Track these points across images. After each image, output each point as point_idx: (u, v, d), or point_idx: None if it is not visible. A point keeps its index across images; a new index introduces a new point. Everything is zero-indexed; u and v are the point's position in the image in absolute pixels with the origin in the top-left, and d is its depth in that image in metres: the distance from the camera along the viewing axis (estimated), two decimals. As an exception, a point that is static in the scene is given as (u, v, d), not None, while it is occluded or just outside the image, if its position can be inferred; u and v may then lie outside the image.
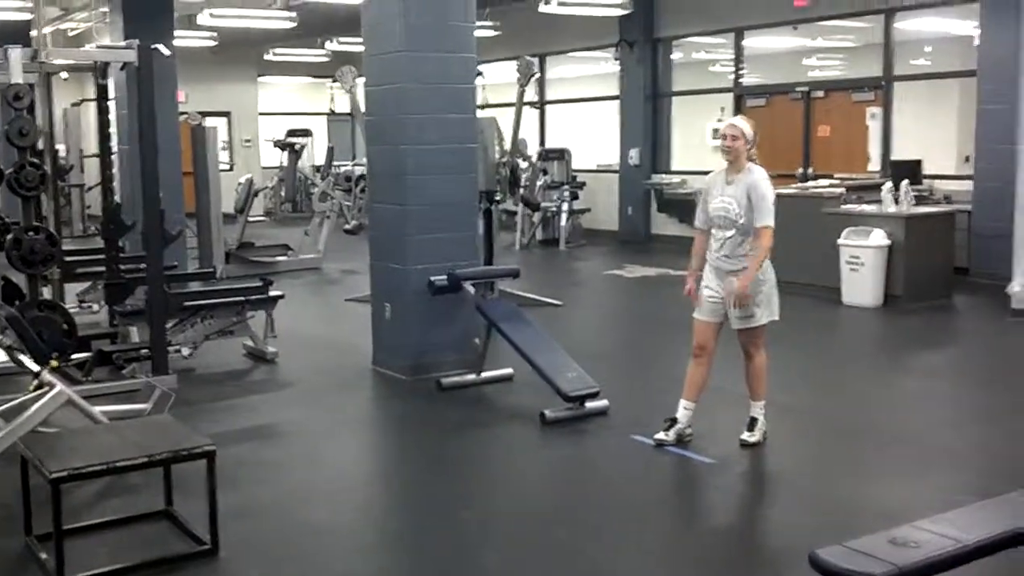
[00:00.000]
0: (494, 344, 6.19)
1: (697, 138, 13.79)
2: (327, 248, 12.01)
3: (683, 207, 13.25)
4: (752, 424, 5.04)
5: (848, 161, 11.60)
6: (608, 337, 8.49)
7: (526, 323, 6.11)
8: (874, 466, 4.90)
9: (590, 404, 5.55)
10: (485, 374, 6.27)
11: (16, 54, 5.92)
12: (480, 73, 7.78)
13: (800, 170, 12.02)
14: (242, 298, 7.20)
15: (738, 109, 13.00)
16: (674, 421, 5.04)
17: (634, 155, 13.89)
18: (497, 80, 13.50)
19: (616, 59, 14.15)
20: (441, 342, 6.45)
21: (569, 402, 5.48)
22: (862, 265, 8.68)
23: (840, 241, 8.83)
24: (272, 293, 7.25)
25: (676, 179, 13.59)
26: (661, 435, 5.02)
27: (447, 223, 6.51)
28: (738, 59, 13.12)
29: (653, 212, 13.87)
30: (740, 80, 13.15)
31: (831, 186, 10.02)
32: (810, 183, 10.76)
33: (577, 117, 15.58)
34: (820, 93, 12.21)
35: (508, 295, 7.98)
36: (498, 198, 9.32)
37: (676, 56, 14.13)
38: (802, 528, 4.07)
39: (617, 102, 14.24)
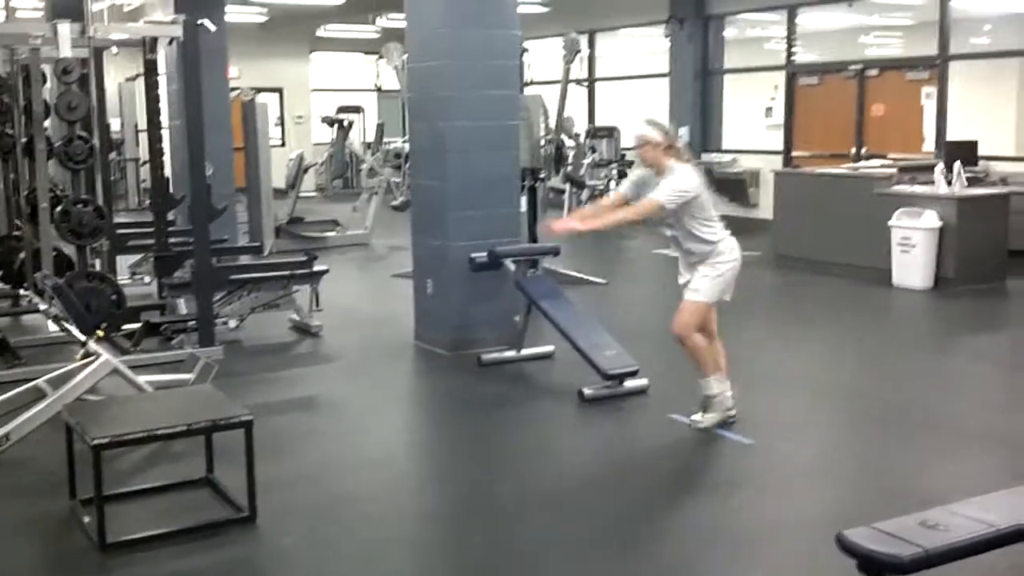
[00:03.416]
0: (534, 321, 6.20)
1: (749, 117, 13.63)
2: (375, 224, 12.08)
3: (734, 186, 13.13)
4: (704, 403, 4.99)
5: (902, 141, 11.39)
6: (651, 316, 8.41)
7: (566, 301, 6.11)
8: (915, 449, 4.83)
9: (629, 383, 5.54)
10: (525, 351, 6.28)
11: (64, 29, 6.02)
12: (525, 50, 7.75)
13: (853, 150, 11.83)
14: (287, 272, 7.28)
15: (791, 87, 12.81)
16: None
17: (684, 133, 13.75)
18: (546, 57, 13.44)
19: (666, 36, 14.00)
20: (482, 318, 6.47)
21: (608, 380, 5.48)
22: (913, 247, 8.53)
23: (891, 222, 8.69)
24: (317, 268, 7.33)
25: (727, 158, 13.45)
26: (698, 416, 5.00)
27: (489, 200, 6.52)
28: (791, 36, 12.91)
29: (703, 191, 13.73)
30: (793, 58, 12.94)
31: (883, 166, 9.85)
32: (862, 163, 10.60)
33: (627, 95, 15.46)
34: (874, 72, 11.97)
35: (552, 273, 7.98)
36: (542, 176, 9.29)
37: (728, 33, 13.95)
38: (837, 509, 4.04)
39: (667, 79, 14.10)
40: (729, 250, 4.89)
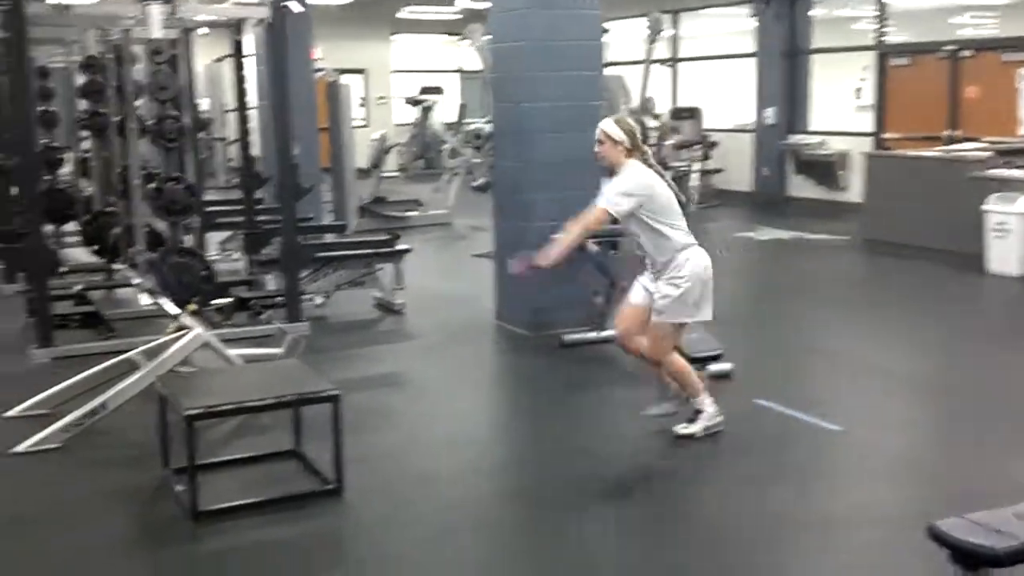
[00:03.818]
0: (617, 303, 6.16)
1: (838, 98, 13.31)
2: (456, 204, 12.15)
3: (822, 169, 12.86)
4: (695, 415, 4.70)
5: (997, 124, 10.99)
6: (735, 300, 8.27)
7: (649, 282, 6.05)
8: (1007, 441, 4.68)
9: (713, 366, 5.47)
10: (606, 332, 6.25)
11: (155, 10, 6.15)
12: (607, 30, 7.67)
13: (945, 132, 11.47)
14: (371, 251, 7.37)
15: (882, 68, 12.47)
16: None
17: (770, 114, 13.52)
18: (628, 37, 13.31)
19: (753, 15, 13.74)
20: (563, 299, 6.45)
21: (692, 363, 5.40)
22: (1009, 232, 8.25)
23: (986, 207, 8.42)
24: (399, 247, 7.40)
25: (815, 139, 13.16)
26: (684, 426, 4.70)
27: (569, 181, 6.48)
28: (882, 16, 12.56)
29: (789, 173, 13.49)
30: (883, 38, 12.58)
31: (977, 150, 9.54)
32: (955, 146, 10.27)
33: (711, 75, 15.23)
34: (968, 52, 11.58)
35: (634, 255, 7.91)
36: (625, 157, 9.21)
37: (816, 12, 13.62)
38: (925, 498, 3.95)
39: (753, 60, 13.85)
40: (688, 262, 4.47)
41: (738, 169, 13.87)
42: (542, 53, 6.34)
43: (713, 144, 13.61)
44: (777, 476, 4.33)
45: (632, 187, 4.44)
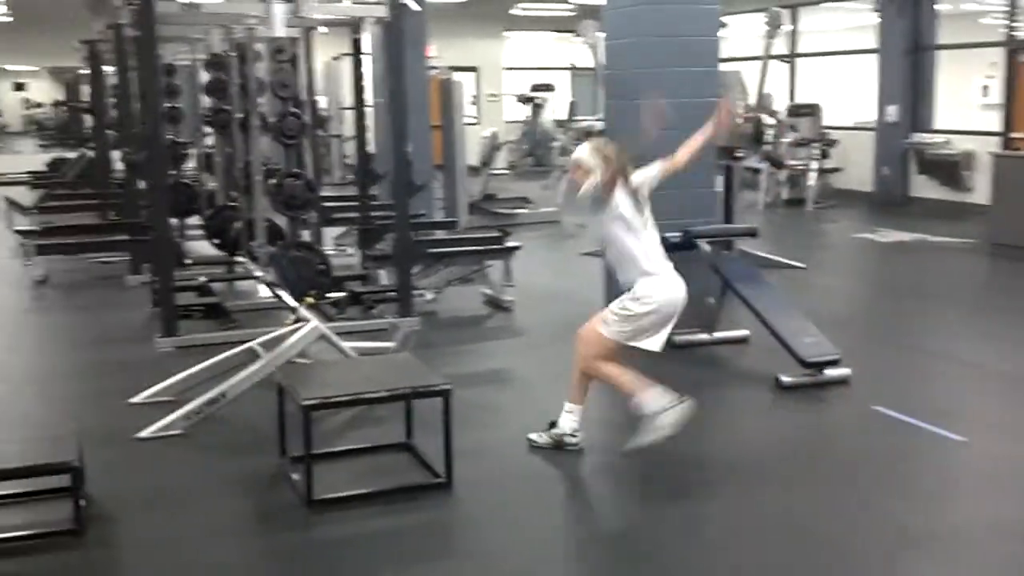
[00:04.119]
0: (729, 304, 6.06)
1: (963, 96, 12.80)
2: (565, 202, 12.11)
3: (947, 169, 12.39)
4: (551, 424, 4.48)
5: None
6: (853, 304, 8.09)
7: (764, 284, 5.93)
8: None
9: (830, 371, 5.33)
10: (719, 334, 6.15)
11: (279, 9, 6.30)
12: (724, 25, 7.54)
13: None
14: (481, 248, 7.42)
15: (1011, 64, 11.94)
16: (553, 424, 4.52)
17: (892, 112, 13.08)
18: (745, 32, 13.07)
19: (875, 10, 13.31)
20: (674, 299, 6.36)
21: (807, 368, 5.29)
22: None
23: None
24: (509, 244, 7.42)
25: (940, 138, 12.69)
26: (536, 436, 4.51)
27: (683, 179, 6.33)
28: (1012, 10, 12.01)
29: (912, 173, 13.03)
30: (1013, 33, 12.03)
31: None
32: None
33: (830, 71, 14.83)
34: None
35: (748, 255, 7.78)
36: (740, 155, 9.04)
37: (942, 7, 13.12)
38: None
39: (875, 56, 13.43)
40: (648, 295, 4.28)
41: (858, 168, 13.48)
42: (657, 49, 6.26)
43: (832, 142, 13.25)
44: (896, 487, 4.18)
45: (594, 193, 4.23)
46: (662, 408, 4.25)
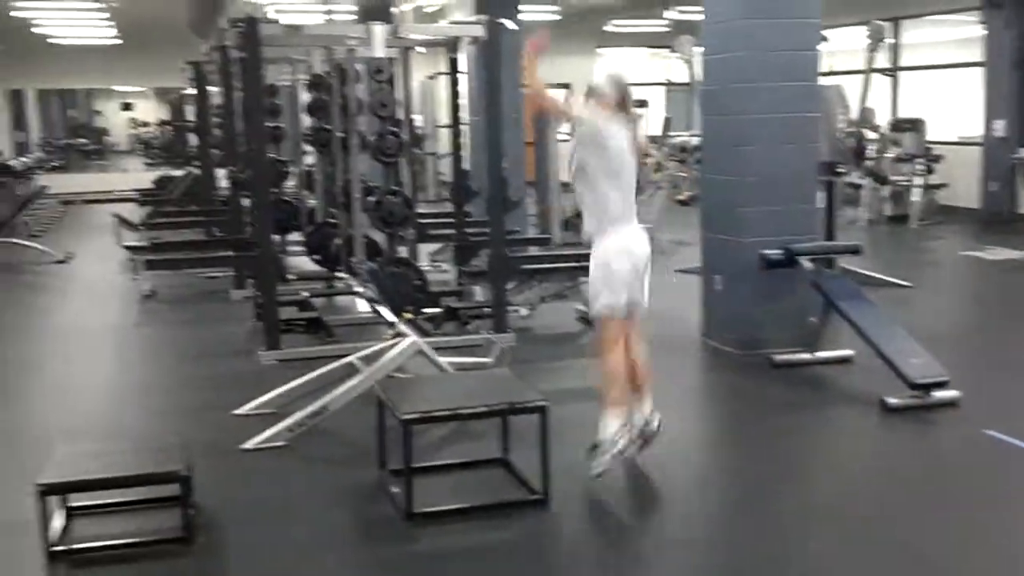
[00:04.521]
0: (831, 323, 5.92)
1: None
2: (659, 218, 12.03)
3: (1056, 185, 11.93)
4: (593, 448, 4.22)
5: None
6: (961, 324, 7.82)
7: (868, 303, 5.79)
8: None
9: (938, 393, 5.16)
10: (821, 354, 6.01)
11: (379, 30, 6.42)
12: (824, 39, 7.41)
13: None
14: (575, 264, 7.40)
15: None
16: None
17: (999, 127, 12.64)
18: (845, 46, 12.81)
19: (981, 22, 12.91)
20: (774, 317, 6.26)
21: (914, 389, 5.13)
22: None
23: None
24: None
25: (1050, 155, 12.22)
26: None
27: (783, 195, 6.30)
28: None
29: (1021, 189, 12.57)
30: None
31: None
32: None
33: (935, 85, 14.42)
34: None
35: (850, 273, 7.60)
36: (841, 171, 8.85)
37: (1055, 16, 12.65)
38: None
39: (980, 69, 13.01)
40: (604, 249, 4.23)
41: (964, 184, 13.05)
42: (756, 63, 6.18)
43: (937, 158, 12.86)
44: (1009, 516, 4.02)
45: (596, 127, 4.17)
46: (618, 435, 4.20)
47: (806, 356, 6.00)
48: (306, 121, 9.30)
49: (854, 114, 9.65)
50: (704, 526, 4.06)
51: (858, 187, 12.49)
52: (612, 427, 4.23)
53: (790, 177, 6.30)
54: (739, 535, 3.92)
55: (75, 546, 3.72)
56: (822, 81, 6.71)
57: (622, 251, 4.25)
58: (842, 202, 9.80)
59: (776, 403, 5.50)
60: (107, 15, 14.50)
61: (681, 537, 3.89)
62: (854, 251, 6.51)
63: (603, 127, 4.18)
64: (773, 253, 6.07)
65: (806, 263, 6.02)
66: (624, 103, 4.28)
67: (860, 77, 9.68)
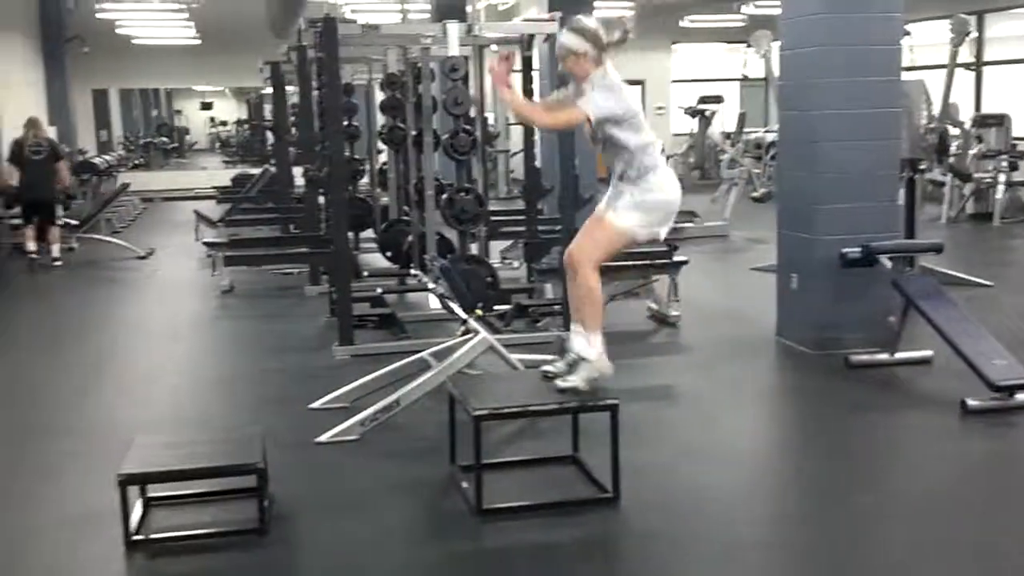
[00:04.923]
0: (911, 323, 5.79)
1: None
2: (734, 216, 11.89)
3: None
4: (575, 363, 4.14)
5: None
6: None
7: (949, 302, 5.64)
8: None
9: (1020, 396, 5.01)
10: (899, 354, 5.87)
11: (454, 28, 6.45)
12: (907, 33, 7.24)
13: None
14: (647, 262, 7.35)
15: None
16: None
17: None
18: (928, 40, 12.50)
19: (1073, 12, 12.50)
20: (851, 317, 6.14)
21: (996, 392, 4.98)
22: None
23: None
24: (676, 258, 7.33)
25: None
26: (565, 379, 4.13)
27: (862, 192, 6.17)
28: None
29: (1110, 187, 12.13)
30: None
31: None
32: None
33: (1020, 80, 13.99)
34: None
35: (930, 272, 7.42)
36: (923, 167, 8.65)
37: None
38: None
39: (1072, 62, 12.60)
40: (660, 186, 4.14)
41: (1050, 181, 12.63)
42: (836, 58, 6.07)
43: (1022, 154, 12.47)
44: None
45: (619, 107, 4.07)
46: (599, 356, 4.16)
47: (884, 357, 5.87)
48: (380, 120, 9.40)
49: (936, 110, 9.43)
50: (776, 528, 4.00)
51: (940, 184, 12.18)
52: (596, 355, 4.18)
53: (870, 174, 6.17)
54: (813, 538, 3.85)
55: (153, 536, 3.82)
56: (904, 76, 6.55)
57: (677, 202, 4.26)
58: (923, 199, 9.56)
59: (852, 404, 5.39)
60: (187, 16, 14.86)
61: (752, 539, 3.83)
62: (935, 249, 6.34)
63: (605, 96, 4.06)
64: (852, 251, 5.95)
65: (886, 261, 5.89)
66: (606, 44, 4.07)
67: (943, 72, 9.45)
